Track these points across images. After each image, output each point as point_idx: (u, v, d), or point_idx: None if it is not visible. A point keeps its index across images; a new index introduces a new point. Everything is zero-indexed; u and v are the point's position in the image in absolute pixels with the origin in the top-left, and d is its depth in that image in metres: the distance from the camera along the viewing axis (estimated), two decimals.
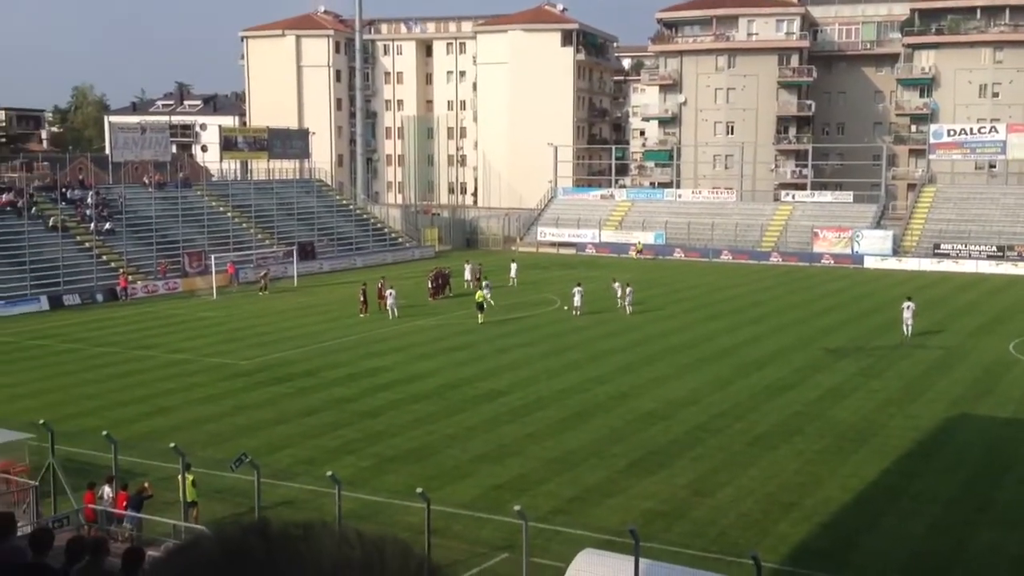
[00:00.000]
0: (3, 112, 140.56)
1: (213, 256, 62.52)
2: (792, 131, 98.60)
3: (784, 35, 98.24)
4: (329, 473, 20.48)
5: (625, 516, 21.82)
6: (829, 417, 31.38)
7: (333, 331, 46.79)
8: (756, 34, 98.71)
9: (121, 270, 60.93)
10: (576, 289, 51.47)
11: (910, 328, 43.95)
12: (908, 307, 44.39)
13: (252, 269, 65.67)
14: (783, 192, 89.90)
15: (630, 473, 25.83)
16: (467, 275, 60.76)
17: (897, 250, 76.19)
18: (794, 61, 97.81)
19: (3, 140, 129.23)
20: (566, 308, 52.16)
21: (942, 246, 75.07)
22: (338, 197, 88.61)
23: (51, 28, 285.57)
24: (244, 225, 73.71)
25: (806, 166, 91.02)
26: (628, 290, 51.82)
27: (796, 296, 59.23)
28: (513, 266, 63.26)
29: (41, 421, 23.74)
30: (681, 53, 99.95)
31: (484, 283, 53.27)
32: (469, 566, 20.14)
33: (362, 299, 51.08)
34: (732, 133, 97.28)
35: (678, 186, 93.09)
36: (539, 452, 27.67)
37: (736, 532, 21.93)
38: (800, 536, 21.85)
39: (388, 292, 50.61)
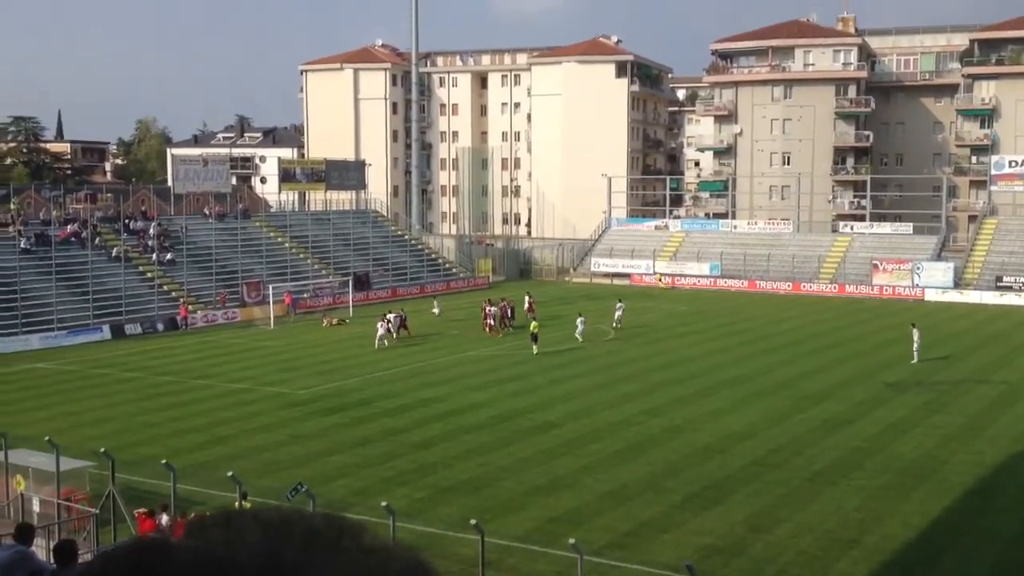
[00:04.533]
0: (69, 144, 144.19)
1: (271, 286, 63.30)
2: (850, 162, 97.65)
3: (841, 66, 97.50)
4: (384, 504, 20.52)
5: (681, 551, 21.55)
6: (890, 452, 30.79)
7: (386, 361, 47.03)
8: (813, 64, 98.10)
9: (181, 300, 61.91)
10: (619, 305, 56.85)
11: (916, 355, 46.00)
12: (915, 335, 46.59)
13: (309, 298, 66.57)
14: (841, 223, 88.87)
15: (686, 508, 25.54)
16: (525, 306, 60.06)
17: (958, 283, 74.86)
18: (851, 92, 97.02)
19: (69, 172, 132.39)
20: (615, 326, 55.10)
21: (1004, 278, 73.60)
22: (393, 228, 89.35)
23: (116, 63, 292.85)
24: (301, 255, 74.61)
25: (864, 197, 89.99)
26: (619, 305, 56.75)
27: (855, 329, 58.38)
28: (526, 299, 60.11)
29: (102, 449, 24.11)
30: (736, 84, 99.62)
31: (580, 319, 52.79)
32: None
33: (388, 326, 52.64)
34: (788, 164, 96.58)
35: (733, 217, 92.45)
36: (593, 485, 27.48)
37: (795, 569, 21.56)
38: (861, 574, 21.41)
39: (382, 322, 51.36)
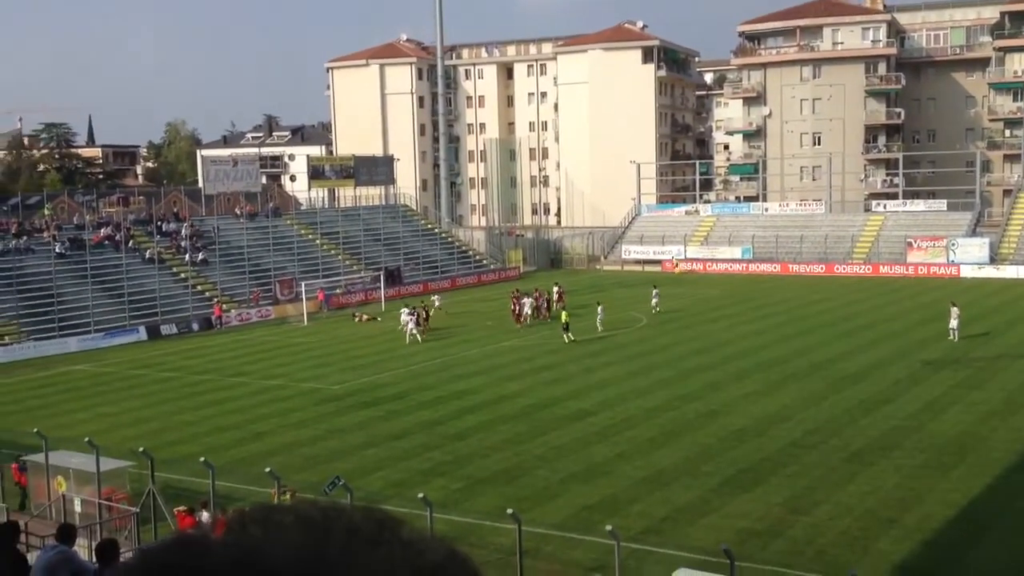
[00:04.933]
0: (100, 149, 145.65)
1: (303, 283, 63.66)
2: (881, 140, 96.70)
3: (870, 43, 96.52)
4: (421, 495, 20.58)
5: (719, 535, 21.46)
6: (928, 431, 30.50)
7: (419, 355, 47.16)
8: (841, 43, 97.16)
9: (215, 299, 62.41)
10: (655, 291, 58.07)
11: (955, 333, 45.07)
12: (954, 312, 45.64)
13: (341, 294, 66.92)
14: (874, 202, 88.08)
15: (723, 491, 25.44)
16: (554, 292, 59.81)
17: (994, 258, 73.94)
18: (881, 69, 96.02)
19: (100, 176, 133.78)
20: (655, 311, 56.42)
21: None
22: (423, 221, 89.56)
23: (143, 67, 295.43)
24: (333, 252, 74.97)
25: (897, 175, 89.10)
26: (655, 292, 57.79)
27: (891, 308, 57.85)
28: (555, 289, 60.11)
29: (141, 449, 24.37)
30: (764, 65, 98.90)
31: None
32: None
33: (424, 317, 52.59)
34: (819, 144, 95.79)
35: (764, 199, 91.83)
36: (629, 471, 27.43)
37: (835, 550, 21.41)
38: (902, 554, 21.24)
39: (411, 316, 50.78)
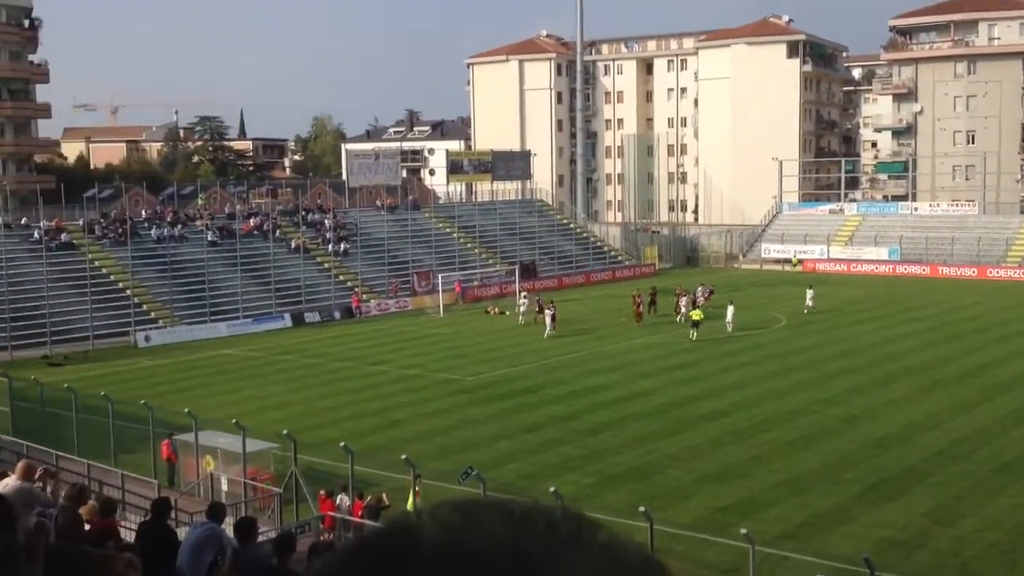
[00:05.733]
0: (251, 142, 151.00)
1: (440, 275, 64.61)
2: None
3: None
4: (552, 489, 20.64)
5: (859, 544, 20.84)
6: None
7: (553, 349, 47.28)
8: (998, 38, 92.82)
9: (356, 289, 63.95)
10: (808, 292, 56.84)
11: None
12: None
13: (477, 286, 67.71)
14: None
15: (864, 499, 24.69)
16: (698, 293, 58.05)
17: None
18: None
19: (251, 168, 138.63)
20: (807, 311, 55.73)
21: None
22: (559, 216, 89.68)
23: (293, 64, 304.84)
24: (469, 245, 75.84)
25: None
26: (810, 294, 56.58)
27: None
28: (701, 290, 58.18)
29: (285, 431, 25.19)
30: (916, 61, 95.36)
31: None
32: None
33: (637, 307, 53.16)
34: (973, 143, 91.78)
35: (914, 199, 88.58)
36: (765, 475, 26.90)
37: (981, 564, 20.56)
38: None
39: (547, 310, 51.53)
